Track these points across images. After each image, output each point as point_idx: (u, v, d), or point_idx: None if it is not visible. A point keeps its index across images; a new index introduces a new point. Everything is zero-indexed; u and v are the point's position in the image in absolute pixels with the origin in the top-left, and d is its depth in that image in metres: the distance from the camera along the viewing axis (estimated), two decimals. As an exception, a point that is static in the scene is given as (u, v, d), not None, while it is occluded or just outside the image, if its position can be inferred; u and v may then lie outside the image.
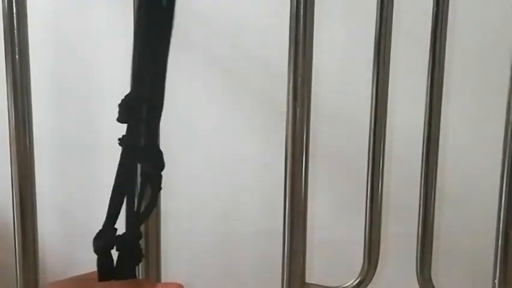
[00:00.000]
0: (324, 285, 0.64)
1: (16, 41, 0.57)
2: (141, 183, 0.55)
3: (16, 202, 0.60)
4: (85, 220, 1.32)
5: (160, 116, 0.54)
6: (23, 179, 0.59)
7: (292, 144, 0.59)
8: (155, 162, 0.55)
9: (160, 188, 0.56)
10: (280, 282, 0.62)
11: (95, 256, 0.55)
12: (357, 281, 0.64)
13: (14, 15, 0.57)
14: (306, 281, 0.63)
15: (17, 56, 0.57)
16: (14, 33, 0.57)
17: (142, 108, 0.53)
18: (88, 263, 0.55)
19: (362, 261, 0.64)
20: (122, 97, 0.53)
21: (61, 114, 1.32)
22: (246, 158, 1.26)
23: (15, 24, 0.57)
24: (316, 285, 0.64)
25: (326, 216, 1.21)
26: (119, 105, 0.53)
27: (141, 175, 0.55)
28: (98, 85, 1.28)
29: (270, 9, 1.14)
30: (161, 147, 0.58)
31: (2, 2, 0.57)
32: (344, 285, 0.65)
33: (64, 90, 1.31)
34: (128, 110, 0.53)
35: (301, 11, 0.56)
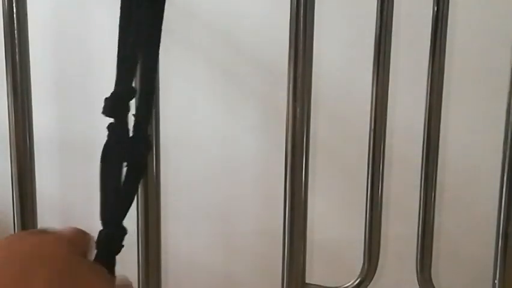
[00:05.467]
0: (324, 285, 0.64)
1: (16, 41, 0.57)
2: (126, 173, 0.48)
3: (16, 202, 0.60)
4: (85, 220, 1.31)
5: (151, 108, 0.50)
6: (23, 179, 0.59)
7: (292, 144, 0.59)
8: (141, 151, 0.49)
9: (141, 176, 0.50)
10: (280, 282, 0.62)
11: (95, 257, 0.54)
12: (357, 281, 0.64)
13: (14, 15, 0.57)
14: (306, 281, 0.63)
15: (17, 56, 0.57)
16: (14, 33, 0.57)
17: (129, 102, 0.48)
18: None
19: (362, 261, 0.64)
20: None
21: (61, 114, 1.32)
22: (245, 158, 1.26)
23: (15, 24, 0.57)
24: (316, 285, 0.63)
25: (326, 216, 1.21)
26: (105, 100, 0.48)
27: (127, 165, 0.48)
28: (98, 85, 1.28)
29: (270, 9, 1.14)
30: (161, 148, 0.58)
31: (2, 2, 0.57)
32: (344, 285, 0.65)
33: (64, 90, 1.31)
34: (113, 107, 0.48)
35: (301, 11, 0.56)
